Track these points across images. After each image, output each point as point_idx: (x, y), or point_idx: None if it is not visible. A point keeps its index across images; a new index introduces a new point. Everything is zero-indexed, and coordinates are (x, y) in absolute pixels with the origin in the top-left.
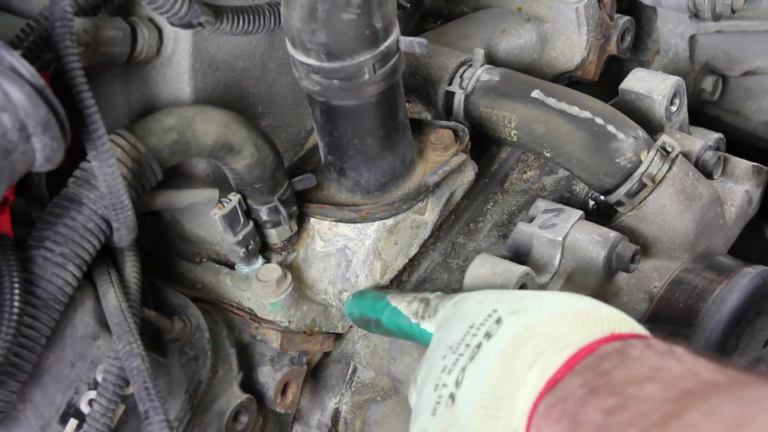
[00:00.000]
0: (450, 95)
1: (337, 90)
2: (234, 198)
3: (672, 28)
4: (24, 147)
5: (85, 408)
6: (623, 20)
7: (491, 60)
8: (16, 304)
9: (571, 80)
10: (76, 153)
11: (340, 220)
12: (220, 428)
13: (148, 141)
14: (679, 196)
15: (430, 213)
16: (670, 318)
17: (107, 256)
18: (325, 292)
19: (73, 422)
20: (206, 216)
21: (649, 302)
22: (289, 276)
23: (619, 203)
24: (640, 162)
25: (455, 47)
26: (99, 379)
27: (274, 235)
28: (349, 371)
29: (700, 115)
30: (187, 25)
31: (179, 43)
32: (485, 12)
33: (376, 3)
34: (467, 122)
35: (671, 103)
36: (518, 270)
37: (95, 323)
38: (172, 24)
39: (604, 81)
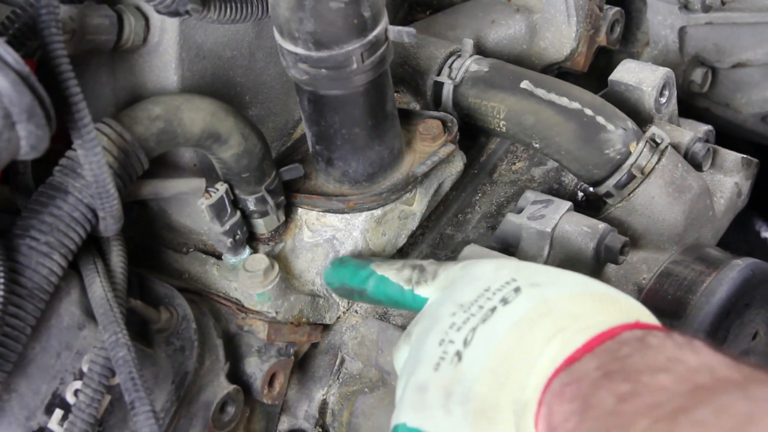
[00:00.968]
0: (439, 86)
1: (324, 79)
2: (221, 188)
3: (662, 20)
4: (8, 135)
5: (70, 398)
6: (613, 11)
7: (480, 50)
8: (1, 293)
9: (560, 71)
10: (61, 141)
11: (328, 211)
12: (206, 419)
13: (134, 130)
14: (668, 187)
15: (418, 204)
16: (659, 310)
17: (93, 245)
18: (313, 282)
19: (58, 412)
20: (193, 206)
21: (637, 294)
22: (277, 266)
23: (608, 195)
24: (630, 153)
25: (444, 37)
26: (84, 369)
27: (261, 225)
28: (337, 362)
29: (689, 107)
30: (174, 13)
31: (166, 32)
32: (474, 2)
33: None
34: (456, 113)
35: (660, 94)
36: None
37: (81, 313)
38: (158, 12)
39: (593, 72)
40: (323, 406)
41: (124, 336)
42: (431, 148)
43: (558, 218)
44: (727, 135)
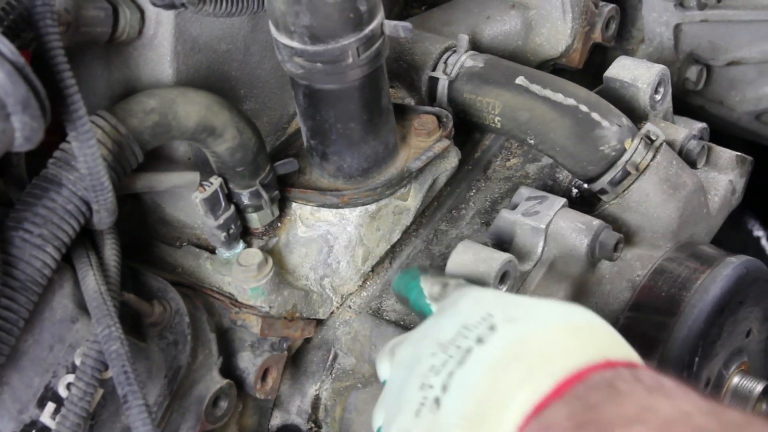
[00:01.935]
0: (434, 81)
1: (320, 73)
2: (215, 181)
3: (657, 17)
4: (3, 126)
5: (63, 391)
6: (608, 8)
7: (476, 46)
8: None
9: (555, 68)
10: (56, 134)
11: (323, 205)
12: (199, 413)
13: (129, 122)
14: (662, 184)
15: (412, 199)
16: (652, 307)
17: (87, 238)
18: (307, 277)
19: (50, 406)
20: (187, 199)
21: (631, 291)
22: (270, 261)
23: (603, 191)
24: (624, 150)
25: (440, 33)
26: (77, 362)
27: (255, 220)
28: (330, 358)
29: (684, 104)
30: (170, 6)
31: (161, 25)
32: None
33: None
34: (451, 108)
35: (655, 91)
36: (501, 257)
37: (74, 306)
38: (154, 4)
39: (588, 69)
40: (316, 401)
41: (117, 329)
42: (426, 144)
43: (552, 214)
44: (722, 133)
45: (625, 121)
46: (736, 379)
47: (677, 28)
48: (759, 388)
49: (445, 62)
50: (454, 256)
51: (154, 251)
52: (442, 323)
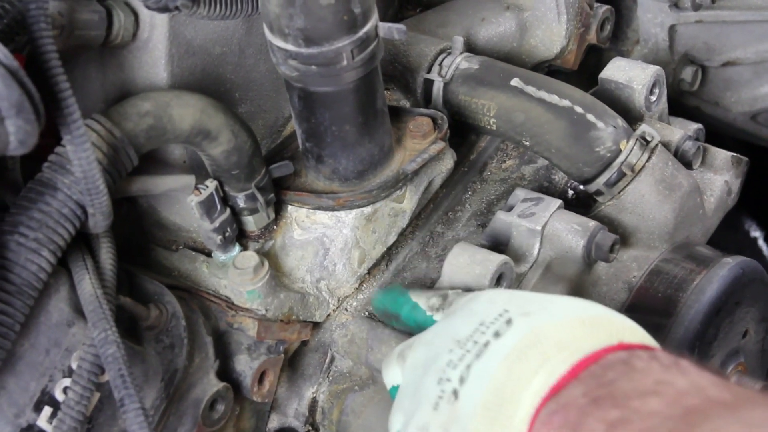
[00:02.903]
0: (429, 83)
1: (315, 76)
2: (211, 184)
3: (652, 18)
4: None
5: (59, 395)
6: (603, 9)
7: (470, 48)
8: None
9: (550, 69)
10: (51, 137)
11: (318, 208)
12: (196, 417)
13: (123, 126)
14: (658, 185)
15: (408, 201)
16: (649, 308)
17: (82, 242)
18: (303, 280)
19: (47, 410)
20: (183, 203)
21: (628, 292)
22: (266, 264)
23: (599, 193)
24: (620, 151)
25: (434, 35)
26: (74, 366)
27: (251, 223)
28: (327, 360)
29: (679, 105)
30: (164, 9)
31: (155, 28)
32: (465, 0)
33: None
34: (446, 110)
35: (651, 92)
36: (497, 259)
37: (70, 310)
38: (148, 8)
39: (583, 70)
40: (313, 404)
41: (113, 333)
42: (421, 146)
43: (548, 216)
44: (717, 133)
45: (620, 122)
46: (733, 381)
47: (672, 29)
48: (756, 389)
49: (440, 64)
50: (450, 258)
51: (150, 254)
52: (457, 323)
